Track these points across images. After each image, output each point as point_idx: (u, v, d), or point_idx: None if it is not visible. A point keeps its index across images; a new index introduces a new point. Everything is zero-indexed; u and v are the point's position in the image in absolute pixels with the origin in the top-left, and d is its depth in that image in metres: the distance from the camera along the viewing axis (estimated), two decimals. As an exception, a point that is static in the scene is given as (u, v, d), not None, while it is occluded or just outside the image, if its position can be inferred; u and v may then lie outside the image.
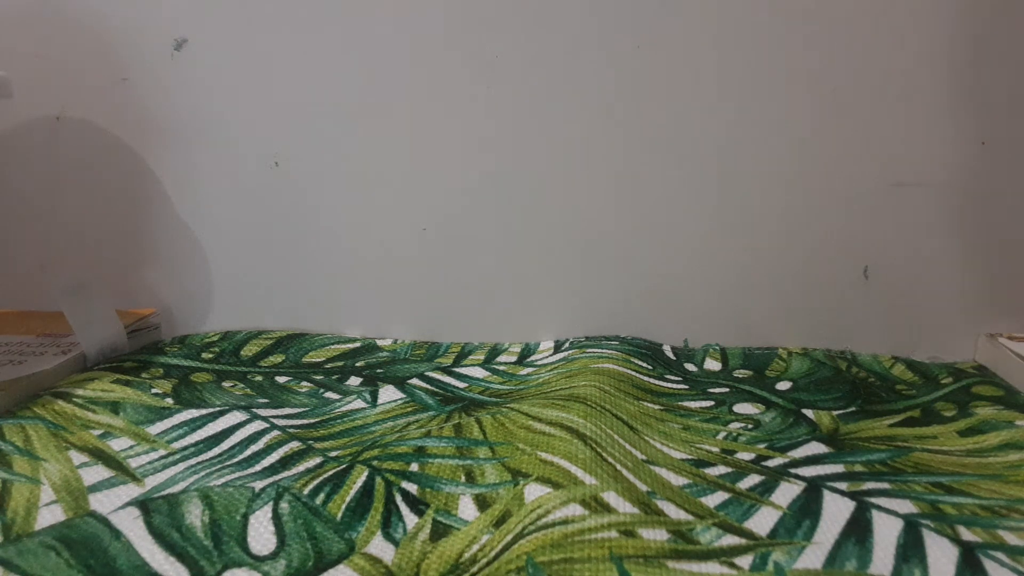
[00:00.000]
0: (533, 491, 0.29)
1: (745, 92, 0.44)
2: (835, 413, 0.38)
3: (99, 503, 0.29)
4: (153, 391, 0.39)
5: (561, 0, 0.43)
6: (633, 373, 0.42)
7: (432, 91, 0.45)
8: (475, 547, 0.26)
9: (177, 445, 0.34)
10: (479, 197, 0.47)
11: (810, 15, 0.42)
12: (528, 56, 0.44)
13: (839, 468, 0.32)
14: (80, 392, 0.38)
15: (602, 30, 0.43)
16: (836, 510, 0.29)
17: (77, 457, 0.32)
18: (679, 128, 0.45)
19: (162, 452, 0.33)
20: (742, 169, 0.45)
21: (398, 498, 0.29)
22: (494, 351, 0.48)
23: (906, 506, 0.29)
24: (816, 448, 0.34)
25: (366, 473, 0.31)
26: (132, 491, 0.30)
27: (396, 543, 0.26)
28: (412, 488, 0.30)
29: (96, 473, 0.31)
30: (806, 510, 0.29)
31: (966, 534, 0.27)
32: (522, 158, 0.46)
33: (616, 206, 0.46)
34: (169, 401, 0.38)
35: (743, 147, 0.45)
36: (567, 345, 0.47)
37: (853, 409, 0.39)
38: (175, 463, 0.32)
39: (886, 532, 0.27)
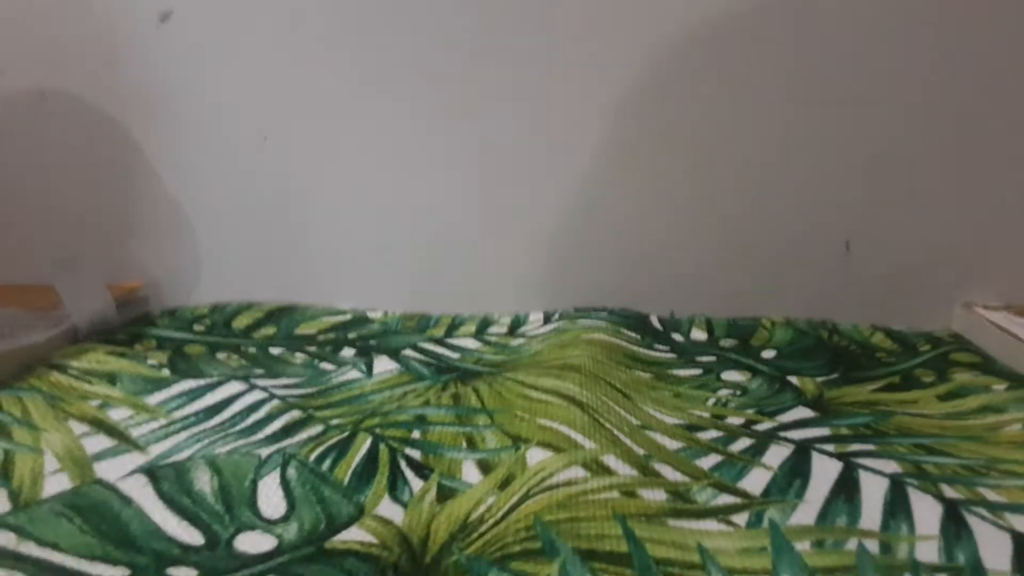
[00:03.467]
0: (535, 455, 0.29)
1: (732, 74, 0.44)
2: (819, 380, 0.40)
3: (104, 471, 0.29)
4: (149, 362, 0.39)
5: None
6: (623, 343, 0.43)
7: (422, 65, 0.45)
8: (482, 508, 0.27)
9: (178, 414, 0.34)
10: (468, 170, 0.47)
11: (790, 5, 0.43)
12: (516, 36, 0.44)
13: (825, 431, 0.33)
14: (75, 364, 0.38)
15: (586, 24, 0.44)
16: (824, 470, 0.30)
17: (77, 427, 0.32)
18: (666, 106, 0.45)
19: (163, 421, 0.33)
20: (728, 148, 0.46)
21: (403, 463, 0.30)
22: (485, 322, 0.48)
23: (891, 466, 0.30)
24: (802, 413, 0.35)
25: (370, 440, 0.31)
26: (137, 459, 0.30)
27: (404, 505, 0.27)
28: (416, 454, 0.31)
29: (98, 442, 0.31)
30: (796, 471, 0.30)
31: (949, 491, 0.28)
32: (510, 130, 0.46)
33: (603, 182, 0.47)
34: (166, 372, 0.38)
35: (729, 126, 0.45)
36: (556, 316, 0.48)
37: (836, 376, 0.40)
38: (177, 432, 0.33)
39: (873, 490, 0.28)
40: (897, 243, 0.47)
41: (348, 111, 0.46)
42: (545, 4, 0.44)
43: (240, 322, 0.46)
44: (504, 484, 0.28)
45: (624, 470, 0.28)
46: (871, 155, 0.45)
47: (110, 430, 0.32)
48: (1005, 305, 0.47)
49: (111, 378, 0.37)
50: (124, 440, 0.32)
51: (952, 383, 0.38)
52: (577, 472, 0.28)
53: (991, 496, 0.28)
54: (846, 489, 0.28)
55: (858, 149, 0.45)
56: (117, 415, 0.34)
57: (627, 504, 0.26)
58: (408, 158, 0.47)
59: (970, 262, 0.47)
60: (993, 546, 0.25)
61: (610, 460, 0.29)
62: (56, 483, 0.28)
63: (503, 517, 0.26)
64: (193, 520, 0.26)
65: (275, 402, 0.36)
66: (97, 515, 0.26)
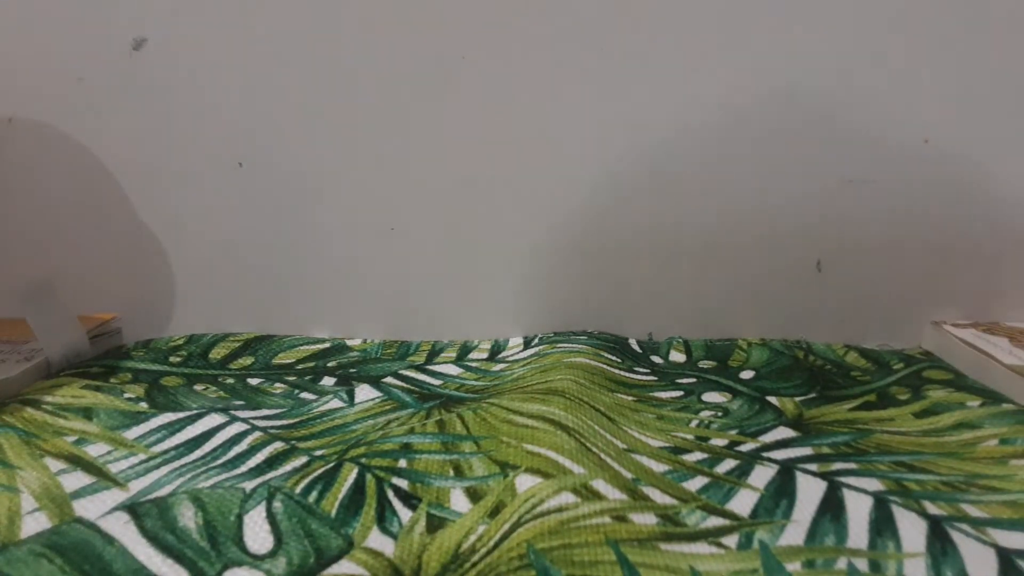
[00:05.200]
0: (524, 482, 0.29)
1: (704, 93, 0.45)
2: (797, 399, 0.40)
3: (84, 509, 0.28)
4: (126, 396, 0.38)
5: (525, 2, 0.44)
6: (604, 366, 0.43)
7: (398, 90, 0.46)
8: (472, 537, 0.27)
9: (157, 449, 0.34)
10: (446, 196, 0.47)
11: (766, 18, 0.44)
12: (495, 56, 0.45)
13: (808, 451, 0.34)
14: (49, 399, 0.37)
15: (565, 31, 0.44)
16: (810, 490, 0.30)
17: (54, 464, 0.32)
18: (640, 127, 0.46)
19: (142, 456, 0.33)
20: (701, 169, 0.47)
21: (390, 493, 0.30)
22: (465, 348, 0.48)
23: (874, 484, 0.30)
24: (784, 433, 0.36)
25: (356, 471, 0.31)
26: (117, 496, 0.29)
27: (394, 536, 0.27)
28: (403, 483, 0.30)
29: (76, 479, 0.31)
30: (782, 491, 0.30)
31: (932, 508, 0.28)
32: (488, 157, 0.47)
33: (579, 205, 0.47)
34: (144, 405, 0.37)
35: (702, 147, 0.46)
36: (536, 341, 0.48)
37: (813, 395, 0.41)
38: (157, 467, 0.32)
39: (858, 509, 0.28)
40: (867, 263, 0.48)
41: (323, 138, 0.46)
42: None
43: (217, 353, 0.46)
44: (494, 512, 0.28)
45: (614, 494, 0.29)
46: (841, 178, 0.46)
47: (88, 467, 0.32)
48: (972, 323, 0.48)
49: (87, 413, 0.36)
50: (103, 477, 0.31)
51: (927, 400, 0.39)
52: (567, 498, 0.28)
53: (973, 512, 0.28)
54: (832, 508, 0.29)
55: (829, 173, 0.46)
56: (95, 451, 0.33)
57: (619, 529, 0.26)
58: (384, 185, 0.47)
59: (937, 281, 0.48)
60: (979, 562, 0.25)
61: (599, 485, 0.29)
62: (34, 523, 0.28)
63: (495, 546, 0.26)
64: (178, 558, 0.25)
65: (257, 434, 0.35)
66: (79, 555, 0.25)
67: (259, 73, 0.45)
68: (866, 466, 0.32)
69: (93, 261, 0.49)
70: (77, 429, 0.35)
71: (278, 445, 0.34)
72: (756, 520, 0.28)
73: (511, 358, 0.46)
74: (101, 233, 0.48)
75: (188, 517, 0.27)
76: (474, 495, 0.29)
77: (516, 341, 0.49)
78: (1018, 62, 0.44)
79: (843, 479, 0.31)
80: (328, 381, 0.43)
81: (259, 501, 0.29)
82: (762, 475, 0.31)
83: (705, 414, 0.38)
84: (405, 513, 0.28)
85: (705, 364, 0.46)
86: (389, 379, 0.43)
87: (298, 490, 0.29)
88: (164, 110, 0.46)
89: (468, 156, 0.46)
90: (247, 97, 0.46)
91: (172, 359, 0.45)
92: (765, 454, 0.33)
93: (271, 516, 0.28)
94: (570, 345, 0.46)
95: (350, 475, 0.31)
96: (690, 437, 0.35)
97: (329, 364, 0.45)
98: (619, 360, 0.45)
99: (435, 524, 0.28)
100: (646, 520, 0.27)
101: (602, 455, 0.32)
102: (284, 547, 0.26)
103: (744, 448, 0.34)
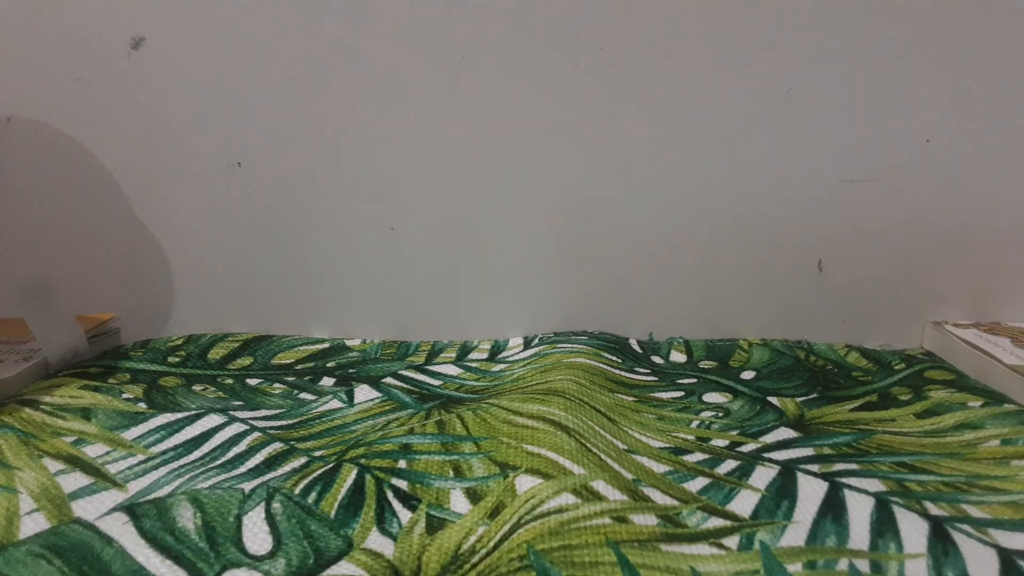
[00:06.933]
0: (524, 482, 0.29)
1: (706, 95, 0.45)
2: (798, 400, 0.40)
3: (83, 510, 0.28)
4: (124, 396, 0.38)
5: (526, 2, 0.44)
6: (604, 367, 0.43)
7: (396, 90, 0.45)
8: (472, 538, 0.26)
9: (156, 449, 0.33)
10: (446, 196, 0.47)
11: (766, 20, 0.44)
12: (495, 54, 0.45)
13: (809, 451, 0.34)
14: (47, 399, 0.37)
15: (567, 31, 0.44)
16: (811, 491, 0.30)
17: (52, 465, 0.32)
18: (641, 128, 0.46)
19: (141, 457, 0.33)
20: (702, 169, 0.47)
21: (389, 494, 0.29)
22: (464, 349, 0.48)
23: (875, 485, 0.30)
24: (785, 433, 0.36)
25: (355, 471, 0.31)
26: (115, 497, 0.29)
27: (394, 537, 0.27)
28: (402, 484, 0.30)
29: (75, 480, 0.30)
30: (783, 492, 0.30)
31: (933, 509, 0.28)
32: (488, 157, 0.46)
33: (580, 205, 0.47)
34: (142, 406, 0.37)
35: (703, 147, 0.46)
36: (536, 341, 0.48)
37: (815, 396, 0.41)
38: (156, 467, 0.32)
39: (860, 510, 0.28)
40: (868, 263, 0.48)
41: (323, 138, 0.46)
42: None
43: (216, 353, 0.46)
44: (494, 513, 0.28)
45: (614, 495, 0.28)
46: (842, 178, 0.46)
47: (86, 467, 0.32)
48: (974, 323, 0.48)
49: (86, 413, 0.36)
50: (102, 477, 0.31)
51: (929, 401, 0.39)
52: (567, 499, 0.28)
53: (975, 512, 0.28)
54: (833, 509, 0.28)
55: (830, 173, 0.46)
56: (93, 451, 0.33)
57: (619, 530, 0.26)
58: (384, 185, 0.47)
59: (938, 281, 0.48)
60: (980, 563, 0.25)
61: (599, 485, 0.29)
62: (33, 523, 0.27)
63: (495, 547, 0.26)
64: (177, 559, 0.25)
65: (256, 434, 0.35)
66: (78, 556, 0.25)
67: (258, 73, 0.45)
68: (867, 467, 0.32)
69: (91, 261, 0.48)
70: (75, 429, 0.35)
71: (277, 446, 0.34)
72: (757, 521, 0.28)
73: (511, 358, 0.46)
74: (99, 233, 0.48)
75: (187, 518, 0.27)
76: (474, 496, 0.29)
77: (516, 341, 0.49)
78: (1018, 62, 0.44)
79: (844, 480, 0.31)
80: (327, 381, 0.43)
81: (258, 502, 0.28)
82: (763, 476, 0.31)
83: (706, 414, 0.38)
84: (405, 514, 0.28)
85: (706, 364, 0.46)
86: (389, 379, 0.43)
87: (297, 491, 0.29)
88: (163, 109, 0.46)
89: (468, 156, 0.46)
90: (246, 97, 0.46)
91: (171, 359, 0.44)
92: (766, 455, 0.33)
93: (270, 517, 0.28)
94: (570, 345, 0.46)
95: (349, 476, 0.30)
96: (691, 438, 0.35)
97: (328, 364, 0.45)
98: (619, 360, 0.45)
99: (435, 525, 0.28)
100: (647, 521, 0.27)
101: (602, 456, 0.32)
102: (283, 548, 0.26)
103: (745, 449, 0.34)
